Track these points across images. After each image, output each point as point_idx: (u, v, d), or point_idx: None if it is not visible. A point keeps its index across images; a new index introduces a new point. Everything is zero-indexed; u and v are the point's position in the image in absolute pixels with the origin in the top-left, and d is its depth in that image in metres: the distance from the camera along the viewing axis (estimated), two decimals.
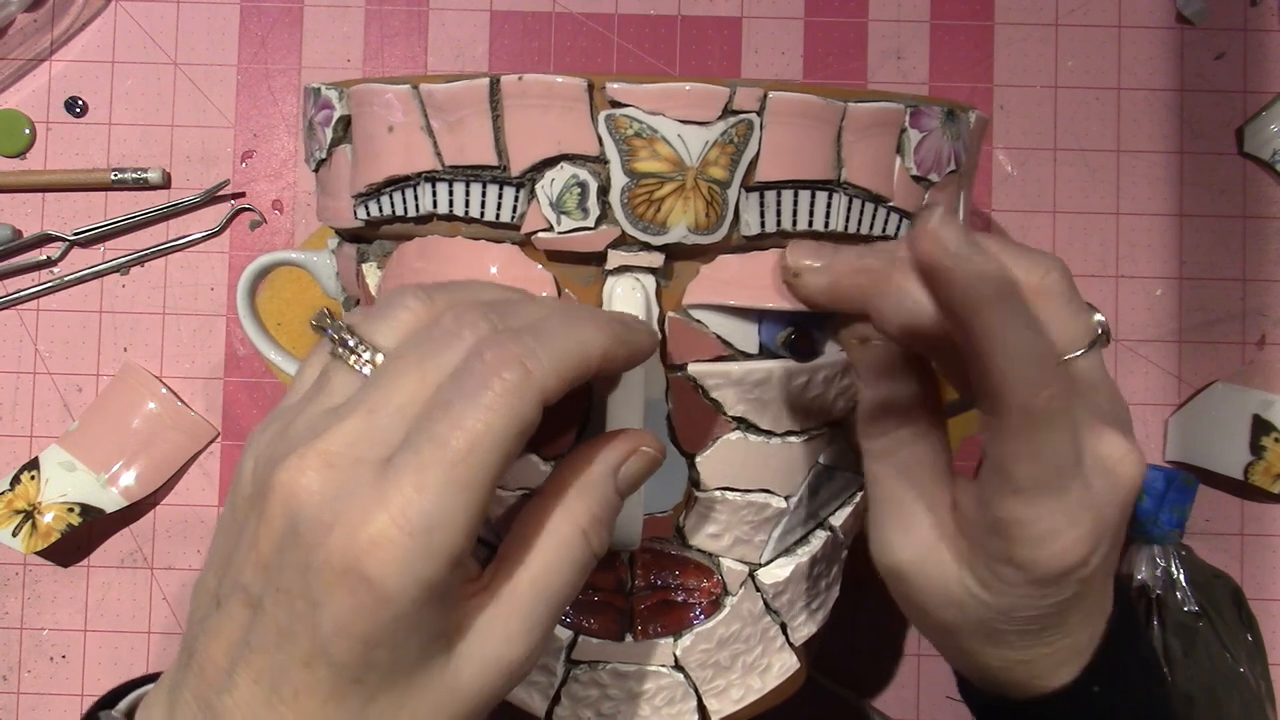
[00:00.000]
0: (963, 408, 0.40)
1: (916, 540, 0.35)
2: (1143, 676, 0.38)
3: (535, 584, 0.28)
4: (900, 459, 0.35)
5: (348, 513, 0.25)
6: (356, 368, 0.28)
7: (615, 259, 0.35)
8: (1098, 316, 0.33)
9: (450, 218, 0.36)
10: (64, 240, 0.59)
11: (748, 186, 0.35)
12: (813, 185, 0.35)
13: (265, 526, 0.26)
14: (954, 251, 0.28)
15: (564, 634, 0.39)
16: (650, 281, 0.36)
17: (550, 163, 0.34)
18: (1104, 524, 0.32)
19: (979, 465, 0.37)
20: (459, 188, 0.36)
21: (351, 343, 0.29)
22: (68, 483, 0.57)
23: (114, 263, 0.59)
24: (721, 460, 0.38)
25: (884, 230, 0.37)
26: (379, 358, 0.28)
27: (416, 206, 0.36)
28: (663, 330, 0.36)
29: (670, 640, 0.40)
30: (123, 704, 0.34)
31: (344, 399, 0.28)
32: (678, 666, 0.40)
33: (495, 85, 0.34)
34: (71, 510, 0.56)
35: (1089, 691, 0.36)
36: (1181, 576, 0.56)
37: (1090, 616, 0.35)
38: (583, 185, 0.34)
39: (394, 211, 0.37)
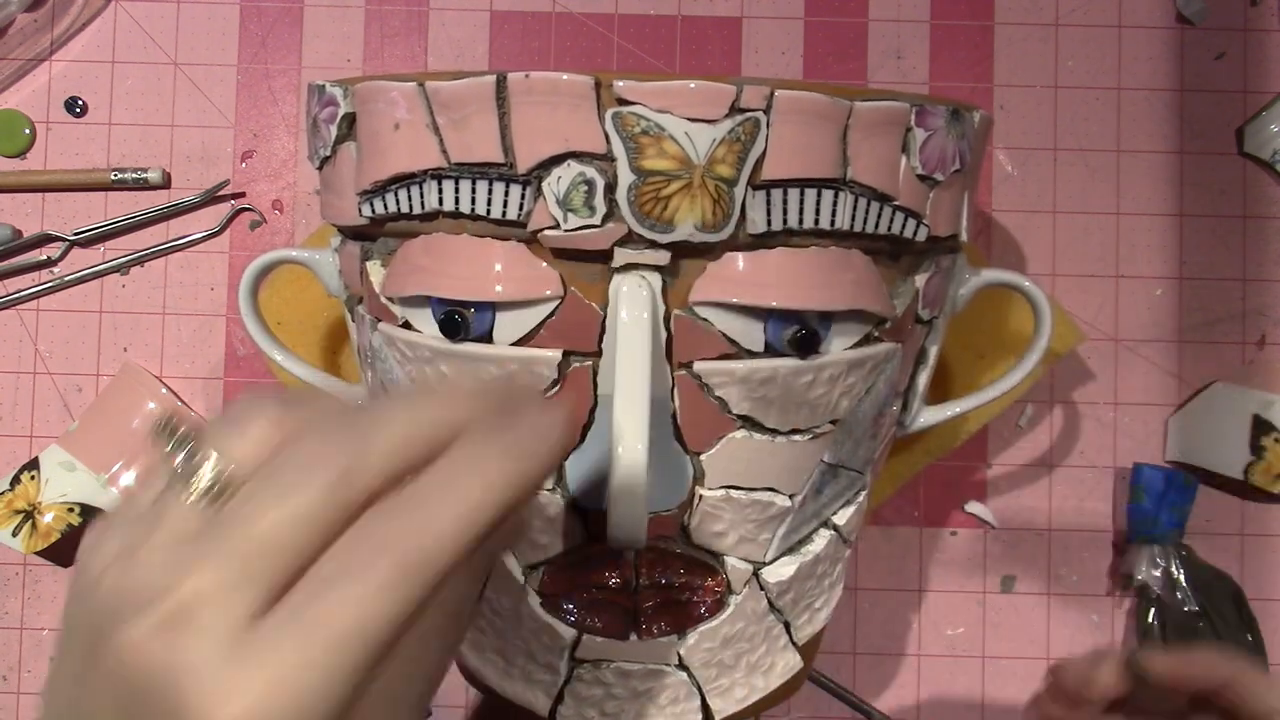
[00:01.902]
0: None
1: None
2: None
3: None
4: None
5: (225, 684, 0.22)
6: (195, 488, 0.25)
7: (621, 257, 0.35)
8: None
9: (456, 215, 0.36)
10: (64, 240, 0.58)
11: (754, 184, 0.35)
12: (819, 184, 0.35)
13: (114, 696, 0.23)
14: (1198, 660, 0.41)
15: (568, 633, 0.39)
16: (656, 279, 0.36)
17: (557, 160, 0.34)
18: None
19: None
20: (465, 185, 0.36)
21: (200, 463, 0.25)
22: (68, 483, 0.56)
23: (114, 263, 0.59)
24: (726, 459, 0.38)
25: (889, 229, 0.37)
26: (224, 478, 0.25)
27: (422, 204, 0.36)
28: (668, 328, 0.36)
29: (675, 639, 0.40)
30: None
31: (186, 531, 0.24)
32: (682, 665, 0.40)
33: (502, 83, 0.34)
34: (71, 510, 0.56)
35: None
36: (1181, 576, 0.57)
37: None
38: (589, 183, 0.34)
39: (399, 209, 0.37)
